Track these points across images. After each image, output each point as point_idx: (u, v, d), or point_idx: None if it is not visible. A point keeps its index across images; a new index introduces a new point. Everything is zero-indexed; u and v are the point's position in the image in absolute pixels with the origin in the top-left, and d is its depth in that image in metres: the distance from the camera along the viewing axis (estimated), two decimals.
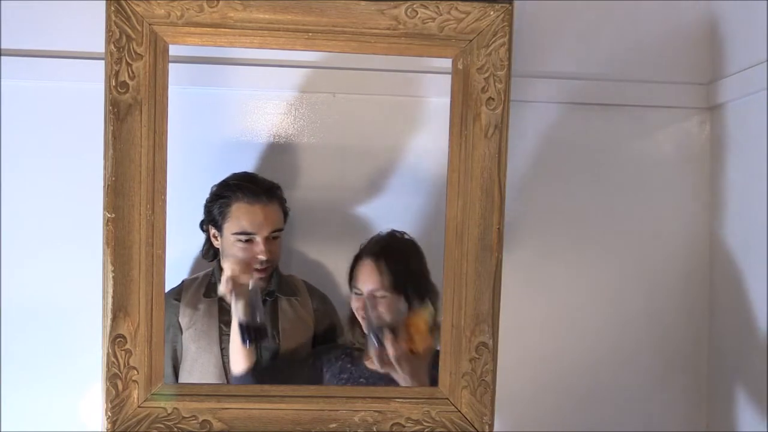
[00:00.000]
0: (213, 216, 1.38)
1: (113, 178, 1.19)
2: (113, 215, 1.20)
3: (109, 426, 1.21)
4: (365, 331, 1.35)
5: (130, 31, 1.19)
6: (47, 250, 1.48)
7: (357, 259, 1.38)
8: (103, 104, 1.19)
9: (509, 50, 1.24)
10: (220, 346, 1.36)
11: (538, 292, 1.57)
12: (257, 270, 1.36)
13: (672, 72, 1.58)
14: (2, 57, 1.45)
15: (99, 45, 1.19)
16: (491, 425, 1.26)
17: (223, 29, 1.21)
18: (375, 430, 1.25)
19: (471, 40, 1.24)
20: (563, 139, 1.57)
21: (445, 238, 1.25)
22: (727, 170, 1.54)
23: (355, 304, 1.36)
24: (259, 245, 1.35)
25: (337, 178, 1.47)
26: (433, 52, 1.25)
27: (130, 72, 1.19)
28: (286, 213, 1.40)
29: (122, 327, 1.21)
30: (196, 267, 1.41)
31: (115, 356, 1.21)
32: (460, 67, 1.25)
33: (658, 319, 1.59)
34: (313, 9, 1.22)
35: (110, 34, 1.18)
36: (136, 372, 1.21)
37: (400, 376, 1.30)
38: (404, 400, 1.27)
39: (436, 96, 1.42)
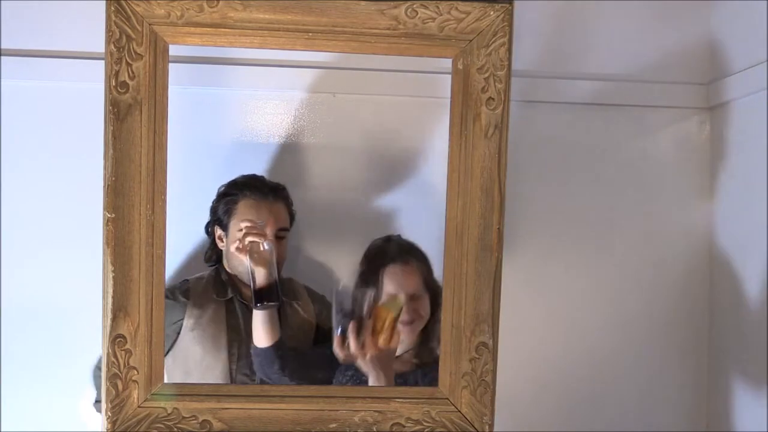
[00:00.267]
0: (218, 216, 1.38)
1: (113, 178, 1.19)
2: (113, 215, 1.20)
3: (109, 426, 1.21)
4: (403, 334, 1.36)
5: (130, 31, 1.19)
6: (47, 250, 1.48)
7: (382, 269, 1.37)
8: (103, 104, 1.19)
9: (509, 50, 1.23)
10: (229, 351, 1.36)
11: (538, 292, 1.57)
12: None
13: (672, 72, 1.59)
14: (2, 57, 1.45)
15: (99, 45, 1.19)
16: (491, 425, 1.26)
17: (223, 29, 1.21)
18: (375, 430, 1.25)
19: (471, 40, 1.24)
20: (563, 139, 1.57)
21: (445, 238, 1.25)
22: (727, 170, 1.54)
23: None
24: (266, 234, 1.35)
25: (337, 178, 1.47)
26: (433, 52, 1.25)
27: (130, 72, 1.19)
28: (292, 216, 1.41)
29: (122, 327, 1.20)
30: (188, 268, 1.41)
31: (115, 356, 1.20)
32: (460, 67, 1.24)
33: (658, 319, 1.59)
34: (313, 9, 1.22)
35: (110, 34, 1.18)
36: (136, 372, 1.21)
37: (365, 367, 1.32)
38: (404, 400, 1.27)
39: (436, 96, 1.42)
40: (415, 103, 1.49)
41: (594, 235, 1.58)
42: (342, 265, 1.44)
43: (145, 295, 1.21)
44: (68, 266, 1.47)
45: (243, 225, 1.34)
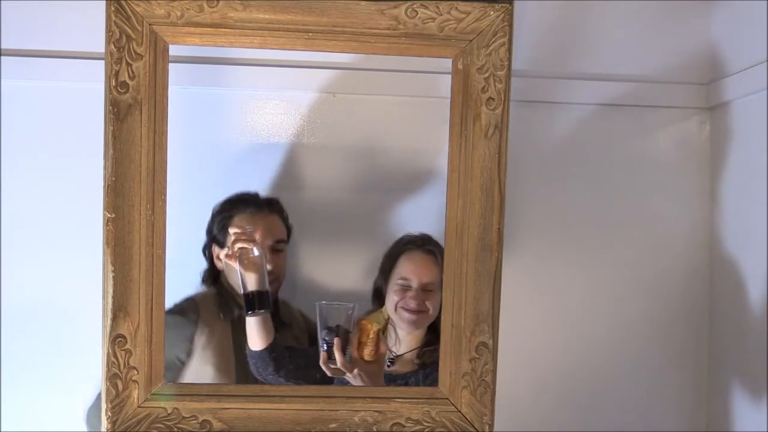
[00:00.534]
0: (214, 235, 1.38)
1: (113, 178, 1.19)
2: (113, 215, 1.20)
3: (109, 426, 1.21)
4: (403, 323, 1.35)
5: (130, 31, 1.19)
6: (47, 250, 1.48)
7: (401, 250, 1.37)
8: (103, 104, 1.19)
9: (509, 50, 1.23)
10: (236, 371, 1.36)
11: (538, 292, 1.57)
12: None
13: (672, 72, 1.59)
14: (2, 57, 1.45)
15: (99, 45, 1.19)
16: (491, 425, 1.26)
17: (223, 29, 1.21)
18: (375, 430, 1.25)
19: (471, 40, 1.24)
20: (563, 139, 1.57)
21: (445, 238, 1.25)
22: (727, 170, 1.54)
23: (396, 297, 1.36)
24: (255, 240, 1.34)
25: (337, 178, 1.47)
26: (433, 52, 1.25)
27: (130, 72, 1.19)
28: (289, 228, 1.40)
29: (122, 327, 1.20)
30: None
31: (115, 356, 1.20)
32: (460, 67, 1.24)
33: (658, 319, 1.59)
34: (313, 9, 1.22)
35: (110, 34, 1.18)
36: (136, 372, 1.21)
37: (354, 382, 1.31)
38: (404, 400, 1.27)
39: (436, 96, 1.42)
40: (415, 103, 1.49)
41: (594, 235, 1.58)
42: (342, 265, 1.44)
43: (145, 295, 1.21)
44: (68, 266, 1.47)
45: (232, 232, 1.34)
